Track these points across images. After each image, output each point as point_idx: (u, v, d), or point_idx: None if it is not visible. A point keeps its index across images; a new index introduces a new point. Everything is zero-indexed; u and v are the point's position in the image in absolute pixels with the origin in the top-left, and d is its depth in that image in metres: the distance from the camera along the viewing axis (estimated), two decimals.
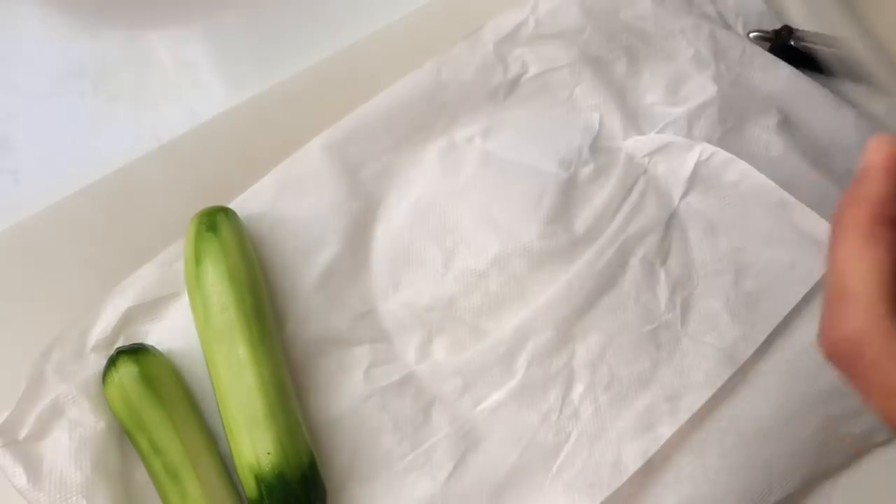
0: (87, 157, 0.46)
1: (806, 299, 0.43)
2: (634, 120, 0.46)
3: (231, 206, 0.42)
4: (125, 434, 0.37)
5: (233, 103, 0.46)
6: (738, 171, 0.44)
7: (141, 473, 0.37)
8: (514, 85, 0.46)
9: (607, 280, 0.43)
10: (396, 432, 0.40)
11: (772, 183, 0.43)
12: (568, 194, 0.44)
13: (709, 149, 0.45)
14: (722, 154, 0.45)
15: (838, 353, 0.22)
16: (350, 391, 0.40)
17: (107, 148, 0.46)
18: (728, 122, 0.46)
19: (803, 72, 0.48)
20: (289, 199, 0.42)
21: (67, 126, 0.47)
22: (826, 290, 0.23)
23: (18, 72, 0.48)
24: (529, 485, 0.40)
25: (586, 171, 0.45)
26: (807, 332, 0.43)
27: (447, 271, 0.43)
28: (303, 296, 0.41)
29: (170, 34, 0.50)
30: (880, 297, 0.21)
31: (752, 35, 0.50)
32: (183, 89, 0.48)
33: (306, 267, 0.41)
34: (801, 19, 0.51)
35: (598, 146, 0.46)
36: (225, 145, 0.45)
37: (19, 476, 0.36)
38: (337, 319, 0.41)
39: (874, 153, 0.21)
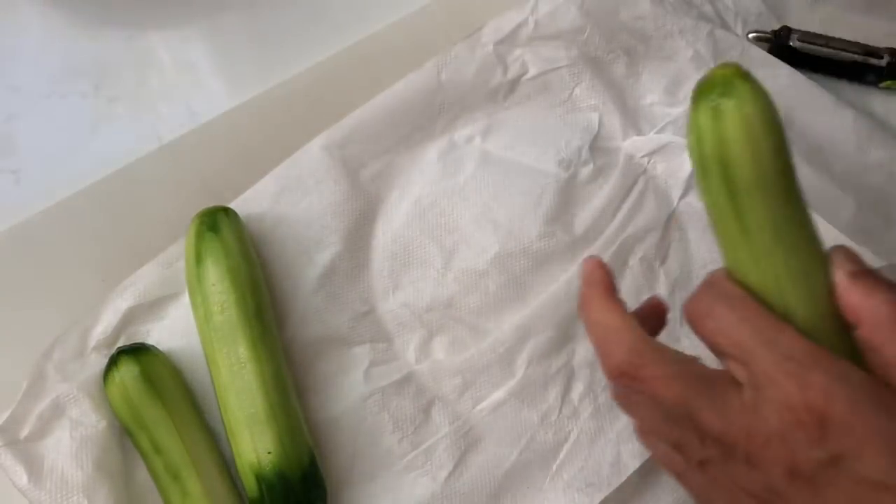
0: (88, 157, 0.46)
1: None
2: (634, 120, 0.46)
3: (231, 206, 0.42)
4: (126, 433, 0.37)
5: (233, 103, 0.46)
6: None
7: (142, 473, 0.37)
8: (513, 85, 0.46)
9: None
10: (396, 431, 0.40)
11: None
12: (567, 194, 0.45)
13: None
14: None
15: (623, 371, 0.30)
16: (350, 390, 0.40)
17: (107, 148, 0.46)
18: None
19: (802, 72, 0.48)
20: (289, 199, 0.42)
21: (68, 126, 0.47)
22: (595, 340, 0.31)
23: (19, 72, 0.48)
24: (529, 484, 0.40)
25: (586, 171, 0.45)
26: None
27: (447, 271, 0.43)
28: (303, 295, 0.41)
29: (170, 34, 0.50)
30: (634, 326, 0.30)
31: (751, 35, 0.50)
32: (183, 89, 0.48)
33: (307, 267, 0.42)
34: (800, 20, 0.51)
35: (597, 146, 0.46)
36: (225, 145, 0.45)
37: (20, 475, 0.36)
38: (337, 319, 0.41)
39: (589, 264, 0.33)
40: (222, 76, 0.49)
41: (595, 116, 0.46)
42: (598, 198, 0.45)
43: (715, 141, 0.27)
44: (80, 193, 0.43)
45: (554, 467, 0.40)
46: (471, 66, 0.46)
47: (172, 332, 0.40)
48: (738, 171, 0.27)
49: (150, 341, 0.40)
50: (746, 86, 0.27)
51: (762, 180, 0.27)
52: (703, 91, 0.27)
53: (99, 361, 0.38)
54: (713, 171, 0.27)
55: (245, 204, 0.42)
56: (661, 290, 0.44)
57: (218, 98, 0.48)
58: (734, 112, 0.27)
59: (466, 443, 0.40)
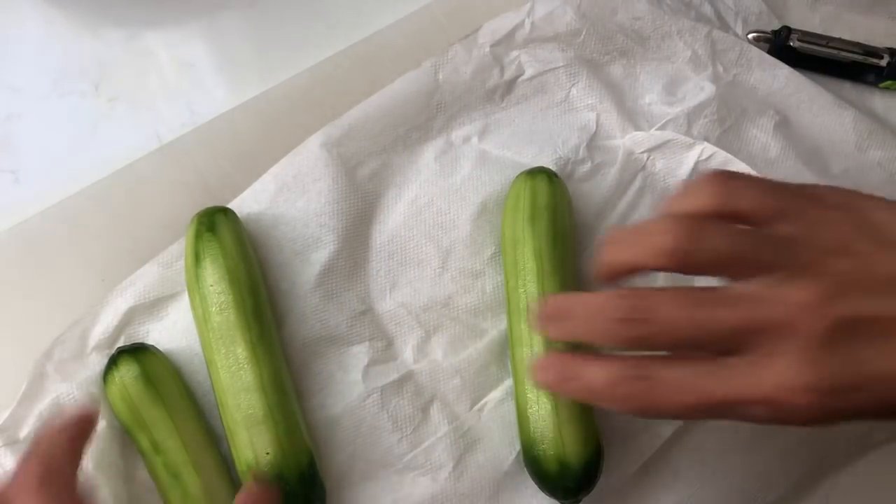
0: (88, 157, 0.46)
1: None
2: (633, 118, 0.46)
3: (230, 205, 0.42)
4: (126, 433, 0.37)
5: (233, 103, 0.46)
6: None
7: (142, 472, 0.38)
8: (510, 86, 0.46)
9: None
10: (395, 431, 0.40)
11: None
12: None
13: (709, 148, 0.45)
14: (722, 154, 0.44)
15: (686, 222, 0.28)
16: (349, 390, 0.40)
17: (107, 148, 0.46)
18: (726, 122, 0.46)
19: (802, 72, 0.48)
20: (287, 198, 0.43)
21: (68, 126, 0.47)
22: (644, 226, 0.30)
23: (19, 72, 0.48)
24: (528, 484, 0.40)
25: (583, 169, 0.45)
26: None
27: (444, 271, 0.43)
28: (301, 295, 0.41)
29: (170, 34, 0.50)
30: None
31: (751, 35, 0.49)
32: (183, 89, 0.48)
33: (305, 266, 0.42)
34: (800, 20, 0.51)
35: (595, 145, 0.46)
36: (225, 145, 0.45)
37: None
38: (335, 319, 0.41)
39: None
40: (222, 76, 0.49)
41: (592, 116, 0.46)
42: (596, 195, 0.45)
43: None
44: (80, 193, 0.44)
45: None
46: (468, 67, 0.46)
47: (172, 332, 0.40)
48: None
49: (150, 341, 0.40)
50: None
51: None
52: None
53: (99, 361, 0.39)
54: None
55: (243, 203, 0.42)
56: None
57: (218, 98, 0.48)
58: None
59: (465, 442, 0.40)
